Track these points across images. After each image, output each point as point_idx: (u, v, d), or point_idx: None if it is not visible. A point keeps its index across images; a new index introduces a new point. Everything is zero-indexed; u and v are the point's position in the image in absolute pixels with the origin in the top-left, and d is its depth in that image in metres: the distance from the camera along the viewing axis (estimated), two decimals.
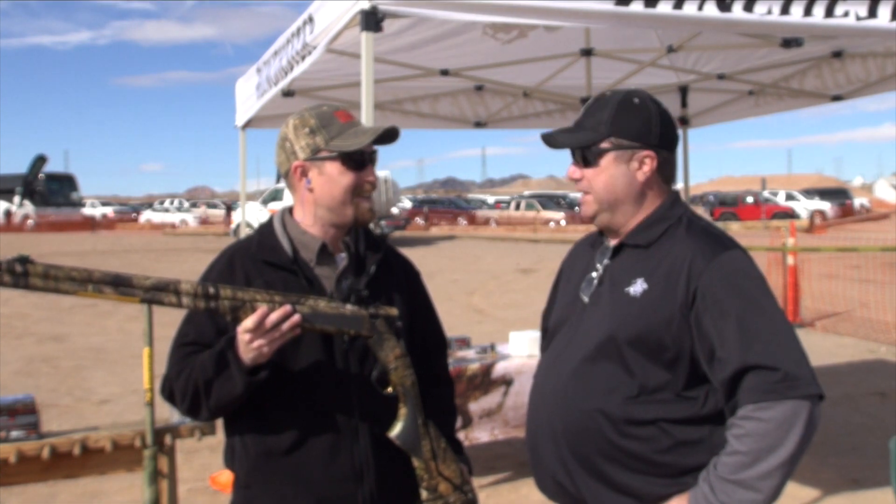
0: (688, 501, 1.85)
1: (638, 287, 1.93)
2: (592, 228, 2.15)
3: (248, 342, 1.81)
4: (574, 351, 2.00)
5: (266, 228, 2.11)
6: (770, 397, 1.77)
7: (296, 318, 1.82)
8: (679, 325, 1.87)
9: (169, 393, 2.02)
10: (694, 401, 1.90)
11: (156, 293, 1.76)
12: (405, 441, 1.96)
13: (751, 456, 1.77)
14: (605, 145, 1.98)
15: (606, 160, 1.99)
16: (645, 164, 2.00)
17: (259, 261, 2.03)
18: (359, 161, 2.00)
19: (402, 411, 1.96)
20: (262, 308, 1.80)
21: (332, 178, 2.01)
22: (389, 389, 1.95)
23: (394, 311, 1.94)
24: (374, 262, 2.08)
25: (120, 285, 1.74)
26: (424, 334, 2.19)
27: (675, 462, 1.89)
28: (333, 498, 1.98)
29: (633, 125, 1.98)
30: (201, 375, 1.90)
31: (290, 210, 2.12)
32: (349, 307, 1.89)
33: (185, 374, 1.94)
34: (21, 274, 1.67)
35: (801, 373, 1.80)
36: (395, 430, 1.95)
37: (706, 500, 1.81)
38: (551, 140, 2.06)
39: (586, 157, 2.01)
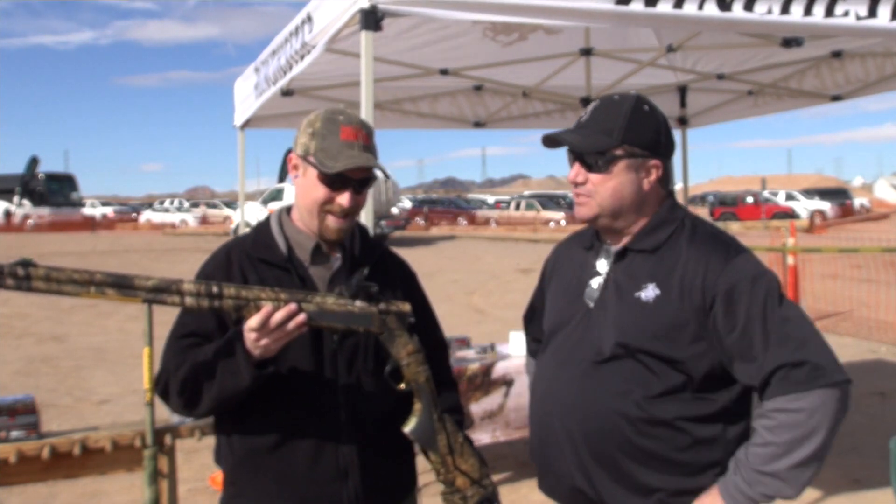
0: (719, 494, 1.86)
1: (650, 292, 1.92)
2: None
3: (255, 340, 1.80)
4: (583, 355, 1.99)
5: (263, 226, 2.11)
6: (800, 388, 1.79)
7: (301, 317, 1.80)
8: (695, 329, 1.88)
9: (164, 386, 1.98)
10: (709, 400, 1.91)
11: (158, 294, 1.75)
12: (420, 436, 1.95)
13: (784, 447, 1.79)
14: (618, 152, 1.95)
15: (618, 167, 1.96)
16: (651, 174, 1.99)
17: (254, 258, 2.04)
18: (335, 180, 1.97)
19: (417, 407, 1.95)
20: (266, 307, 1.78)
21: (309, 184, 2.01)
22: (402, 385, 1.94)
23: (406, 307, 1.92)
24: (369, 262, 2.07)
25: (122, 287, 1.73)
26: (422, 336, 2.15)
27: (693, 460, 1.90)
28: (317, 497, 1.98)
29: (645, 134, 1.97)
30: (206, 366, 1.88)
31: (288, 209, 2.13)
32: (358, 304, 1.87)
33: (188, 365, 1.91)
34: (24, 277, 1.67)
35: (826, 362, 1.83)
36: (410, 426, 1.95)
37: (740, 492, 1.82)
38: (556, 140, 2.01)
39: (595, 162, 1.97)
